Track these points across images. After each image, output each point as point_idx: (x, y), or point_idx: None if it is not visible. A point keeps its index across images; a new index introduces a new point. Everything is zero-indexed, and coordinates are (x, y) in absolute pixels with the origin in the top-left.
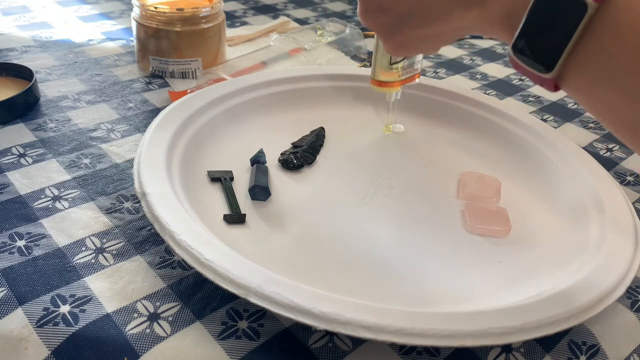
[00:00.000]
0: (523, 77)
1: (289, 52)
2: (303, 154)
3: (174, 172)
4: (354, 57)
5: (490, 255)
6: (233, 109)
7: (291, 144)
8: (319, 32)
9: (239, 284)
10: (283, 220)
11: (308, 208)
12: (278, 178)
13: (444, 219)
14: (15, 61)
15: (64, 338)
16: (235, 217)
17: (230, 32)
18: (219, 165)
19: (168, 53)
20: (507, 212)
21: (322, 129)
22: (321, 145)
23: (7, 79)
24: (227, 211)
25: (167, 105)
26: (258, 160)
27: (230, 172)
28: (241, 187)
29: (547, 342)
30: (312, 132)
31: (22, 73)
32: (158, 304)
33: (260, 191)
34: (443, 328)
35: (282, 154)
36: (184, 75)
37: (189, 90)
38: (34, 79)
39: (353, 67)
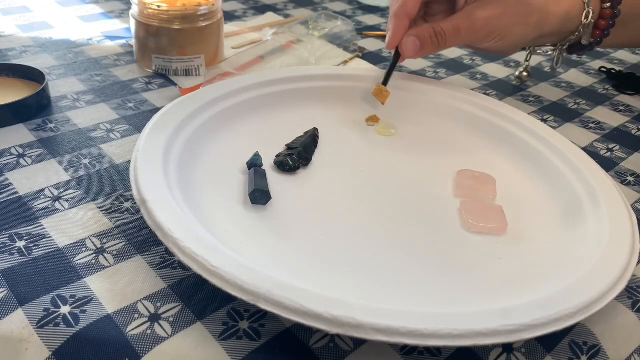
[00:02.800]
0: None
1: (283, 45)
2: (298, 156)
3: (171, 178)
4: (346, 49)
5: (489, 253)
6: (224, 112)
7: (285, 145)
8: (311, 26)
9: (247, 290)
10: (284, 224)
11: (307, 211)
12: (274, 181)
13: (442, 217)
14: (14, 61)
15: (65, 339)
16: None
17: (235, 37)
18: (214, 169)
19: (169, 51)
20: (503, 210)
21: (315, 130)
22: (316, 146)
23: (14, 79)
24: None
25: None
26: (255, 164)
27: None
28: (239, 192)
29: (548, 342)
30: (305, 133)
31: (30, 74)
32: (159, 304)
33: (260, 195)
34: (454, 328)
35: (277, 156)
36: (187, 73)
37: (202, 86)
38: (45, 81)
39: (343, 67)
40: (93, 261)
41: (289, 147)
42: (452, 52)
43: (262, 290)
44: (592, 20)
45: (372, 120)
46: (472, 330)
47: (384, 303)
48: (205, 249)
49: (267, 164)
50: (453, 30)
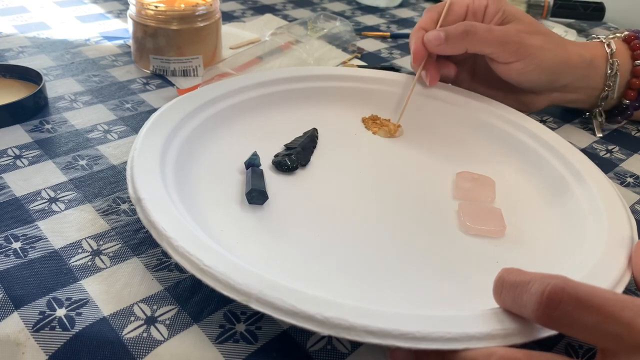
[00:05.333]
0: None
1: (281, 46)
2: (297, 156)
3: (168, 177)
4: (345, 50)
5: (486, 256)
6: (223, 112)
7: (284, 145)
8: (310, 27)
9: (239, 290)
10: (280, 225)
11: (304, 211)
12: (272, 181)
13: (440, 219)
14: (11, 62)
15: (62, 343)
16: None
17: (233, 37)
18: (211, 169)
19: (167, 51)
20: (501, 212)
21: (314, 130)
22: (314, 147)
23: (11, 80)
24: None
25: None
26: (253, 164)
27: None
28: (236, 192)
29: (544, 345)
30: (304, 133)
31: (28, 75)
32: (155, 307)
33: (257, 195)
34: (447, 331)
35: (275, 156)
36: (185, 73)
37: (199, 86)
38: (42, 82)
39: (344, 68)
40: (89, 263)
41: (288, 147)
42: None
43: (255, 290)
44: (618, 73)
45: (371, 120)
46: (465, 334)
47: (379, 304)
48: (199, 248)
49: (266, 164)
50: (487, 27)
